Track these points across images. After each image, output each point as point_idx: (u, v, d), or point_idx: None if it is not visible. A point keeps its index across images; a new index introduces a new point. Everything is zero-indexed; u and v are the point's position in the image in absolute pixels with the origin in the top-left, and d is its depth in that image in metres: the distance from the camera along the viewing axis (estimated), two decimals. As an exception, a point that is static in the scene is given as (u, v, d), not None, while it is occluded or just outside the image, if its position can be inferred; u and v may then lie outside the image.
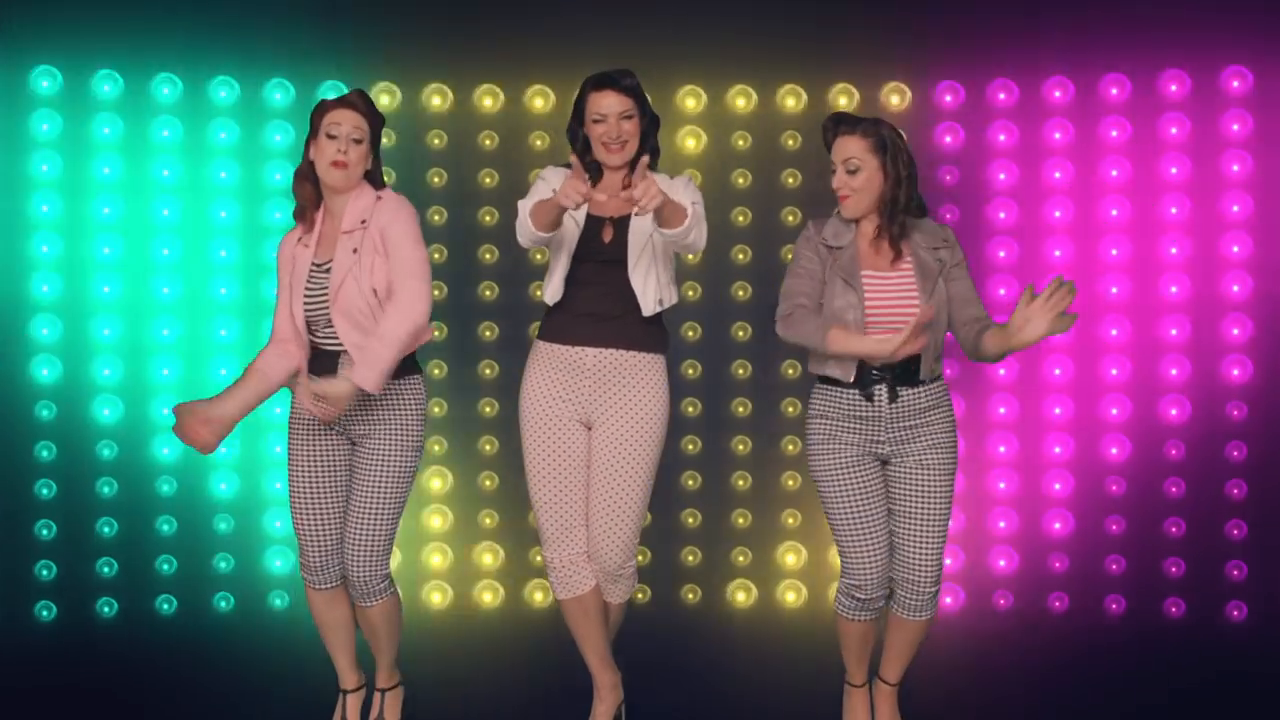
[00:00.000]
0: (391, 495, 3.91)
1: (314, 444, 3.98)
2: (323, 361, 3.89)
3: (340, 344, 3.85)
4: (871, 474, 3.85)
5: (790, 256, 5.58)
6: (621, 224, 3.91)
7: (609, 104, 3.86)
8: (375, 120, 3.90)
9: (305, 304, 3.86)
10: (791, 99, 5.64)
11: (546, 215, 3.79)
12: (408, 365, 3.93)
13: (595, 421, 3.95)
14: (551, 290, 3.95)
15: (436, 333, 3.85)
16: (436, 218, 5.64)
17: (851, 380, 3.80)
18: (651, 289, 3.90)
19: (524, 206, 3.89)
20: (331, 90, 5.56)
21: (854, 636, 3.97)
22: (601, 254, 3.91)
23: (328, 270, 3.85)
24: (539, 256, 5.63)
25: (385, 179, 4.04)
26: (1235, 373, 5.46)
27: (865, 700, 4.04)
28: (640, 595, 5.63)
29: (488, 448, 5.69)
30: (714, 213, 4.03)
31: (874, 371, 3.76)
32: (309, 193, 3.91)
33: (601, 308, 3.92)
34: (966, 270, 3.84)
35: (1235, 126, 5.46)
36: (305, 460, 3.98)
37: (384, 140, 4.01)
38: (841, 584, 3.91)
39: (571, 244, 3.92)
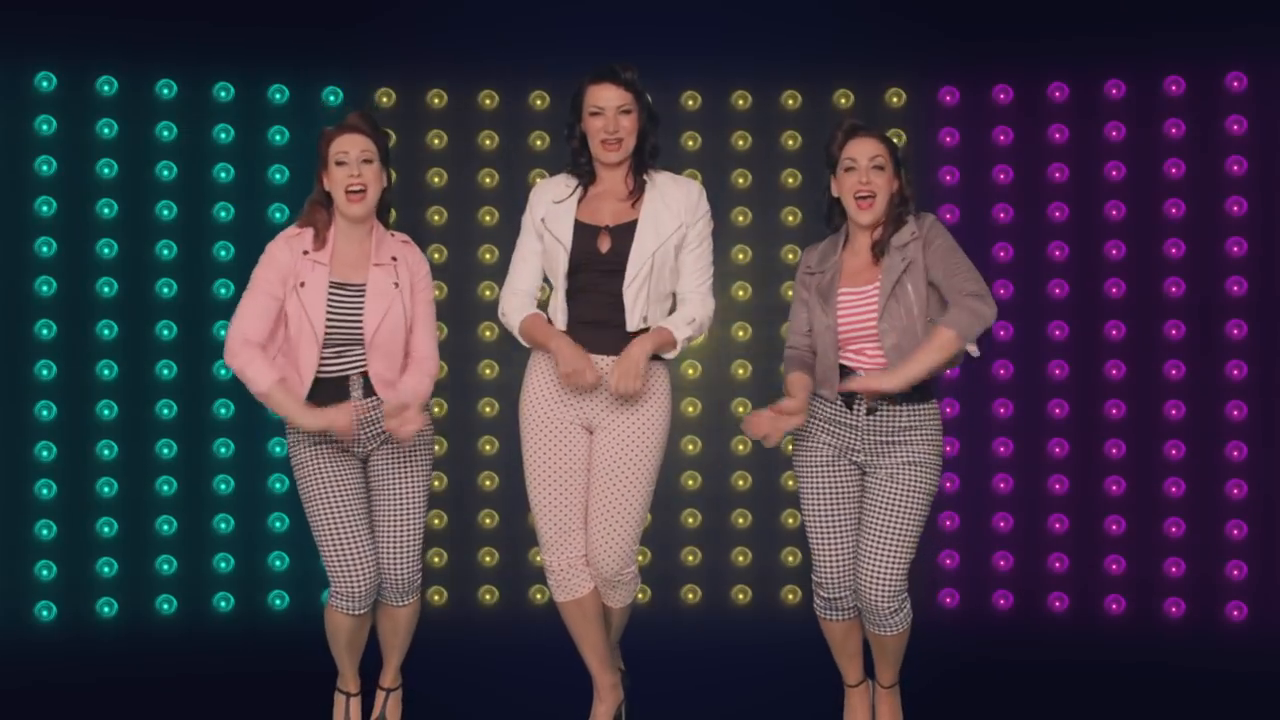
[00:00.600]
0: (421, 494, 3.97)
1: (333, 473, 3.90)
2: (329, 390, 3.85)
3: (344, 370, 3.85)
4: (846, 475, 3.85)
5: (790, 257, 5.64)
6: (620, 232, 3.85)
7: (608, 96, 3.81)
8: (380, 139, 3.88)
9: (328, 324, 3.82)
10: (791, 99, 5.65)
11: (537, 341, 3.89)
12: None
13: (597, 426, 3.91)
14: (558, 315, 3.89)
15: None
16: (436, 218, 5.64)
17: (837, 403, 3.81)
18: (640, 306, 3.83)
19: (516, 313, 3.92)
20: (332, 93, 5.58)
21: (833, 636, 3.96)
22: (599, 263, 3.85)
23: (354, 294, 3.84)
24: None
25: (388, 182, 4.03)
26: (1235, 372, 5.46)
27: (863, 699, 4.03)
28: (640, 595, 5.61)
29: (487, 448, 5.69)
30: (714, 213, 4.00)
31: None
32: (323, 217, 3.89)
33: (600, 315, 3.86)
34: (945, 252, 3.72)
35: (1234, 128, 5.48)
36: (331, 491, 3.89)
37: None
38: (812, 580, 3.92)
39: (563, 267, 3.86)
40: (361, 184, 3.80)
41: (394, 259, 3.87)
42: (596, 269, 3.85)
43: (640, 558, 5.46)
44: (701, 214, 3.91)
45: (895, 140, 3.85)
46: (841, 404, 3.78)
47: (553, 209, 3.90)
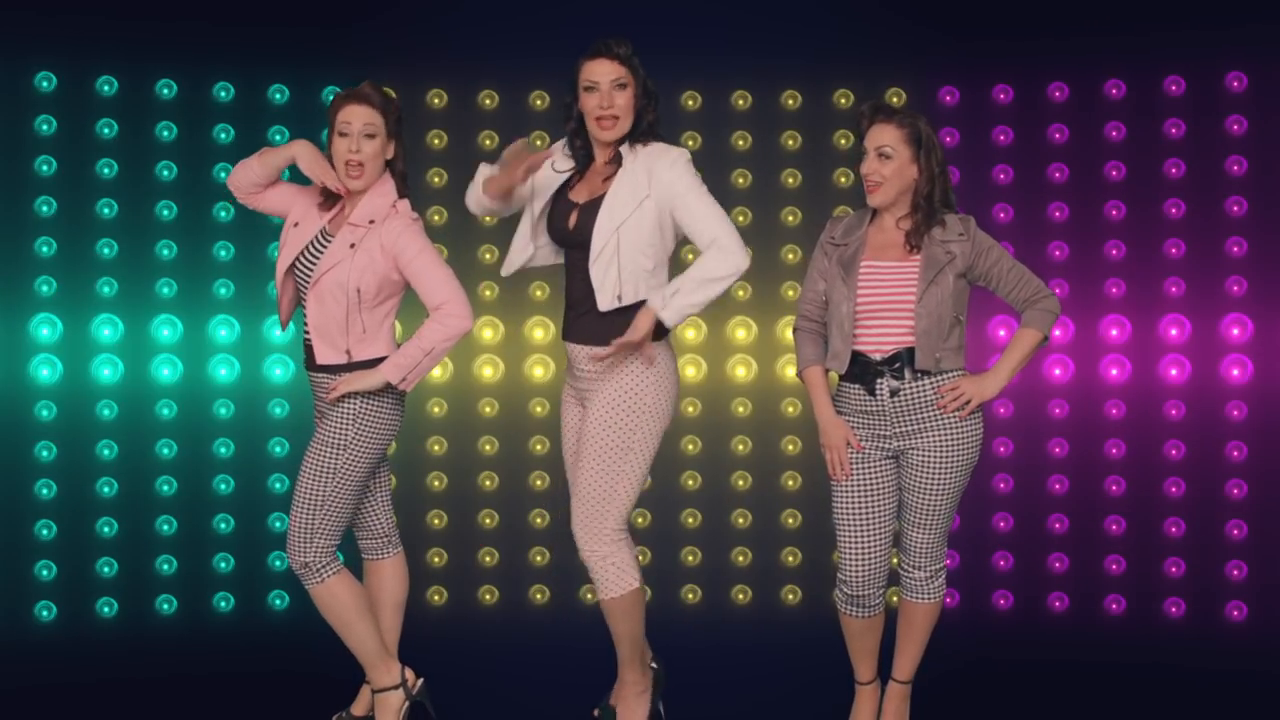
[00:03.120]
0: (316, 468, 3.84)
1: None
2: (313, 356, 3.90)
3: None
4: (877, 472, 3.85)
5: (790, 257, 5.64)
6: (587, 209, 3.81)
7: (601, 71, 3.76)
8: (389, 110, 3.85)
9: (301, 267, 3.88)
10: (791, 99, 5.65)
11: (495, 186, 3.91)
12: (363, 361, 3.87)
13: (587, 403, 3.90)
14: (506, 262, 3.99)
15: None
16: (436, 218, 5.64)
17: (844, 373, 3.83)
18: (610, 284, 3.76)
19: (482, 171, 3.96)
20: (331, 93, 5.57)
21: (852, 632, 3.98)
22: (568, 240, 3.85)
23: (328, 243, 3.86)
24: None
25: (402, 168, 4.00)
26: (1235, 373, 5.46)
27: (871, 700, 4.05)
28: (640, 595, 5.62)
29: (488, 448, 5.69)
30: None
31: (877, 365, 3.77)
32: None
33: (574, 296, 3.88)
34: (1007, 264, 3.85)
35: (1234, 128, 5.48)
36: None
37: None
38: (837, 576, 3.93)
39: (532, 216, 3.89)
40: (359, 159, 3.79)
41: (371, 222, 3.81)
42: (568, 244, 3.86)
43: (640, 557, 5.46)
44: (674, 176, 3.75)
45: (927, 124, 3.82)
46: (863, 390, 3.79)
47: (550, 176, 3.91)
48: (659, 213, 3.77)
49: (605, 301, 3.77)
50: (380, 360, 3.84)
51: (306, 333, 3.91)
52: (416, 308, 3.92)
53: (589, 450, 3.81)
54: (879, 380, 3.77)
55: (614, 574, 3.82)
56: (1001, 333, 5.59)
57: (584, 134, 3.86)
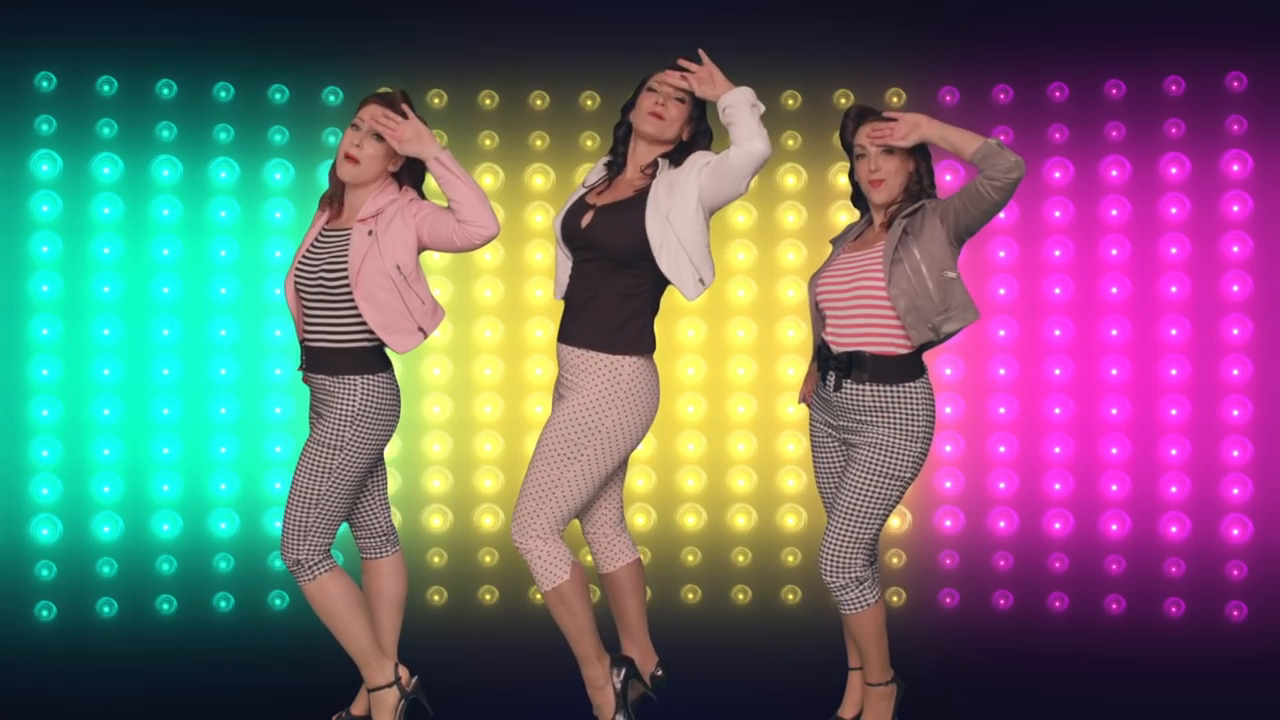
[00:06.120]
0: (309, 466, 3.81)
1: None
2: (312, 358, 3.86)
3: (319, 340, 3.82)
4: (833, 454, 3.91)
5: (791, 257, 5.64)
6: (604, 212, 3.83)
7: (672, 80, 3.83)
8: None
9: (301, 267, 3.82)
10: (791, 99, 5.65)
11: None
12: (360, 362, 3.82)
13: None
14: (556, 284, 4.00)
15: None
16: (436, 218, 5.64)
17: (815, 353, 3.89)
18: (688, 271, 3.79)
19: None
20: (332, 93, 5.58)
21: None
22: (577, 238, 3.86)
23: (342, 238, 3.80)
24: (539, 255, 5.64)
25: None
26: (1235, 373, 5.47)
27: (852, 684, 4.11)
28: (640, 595, 5.62)
29: (488, 447, 5.69)
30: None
31: (833, 357, 3.79)
32: (338, 183, 3.88)
33: (575, 299, 3.89)
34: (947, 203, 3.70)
35: (1234, 128, 5.49)
36: None
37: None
38: None
39: (557, 231, 3.95)
40: (357, 155, 3.75)
41: (379, 212, 3.78)
42: (579, 246, 3.86)
43: (641, 557, 5.46)
44: (705, 156, 3.80)
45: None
46: (823, 380, 3.82)
47: (579, 192, 3.98)
48: (699, 194, 3.78)
49: (692, 292, 3.81)
50: None
51: (303, 339, 3.89)
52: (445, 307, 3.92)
53: (539, 448, 3.85)
54: (829, 372, 3.80)
55: (542, 568, 3.86)
56: (1001, 333, 5.59)
57: (626, 142, 3.92)
